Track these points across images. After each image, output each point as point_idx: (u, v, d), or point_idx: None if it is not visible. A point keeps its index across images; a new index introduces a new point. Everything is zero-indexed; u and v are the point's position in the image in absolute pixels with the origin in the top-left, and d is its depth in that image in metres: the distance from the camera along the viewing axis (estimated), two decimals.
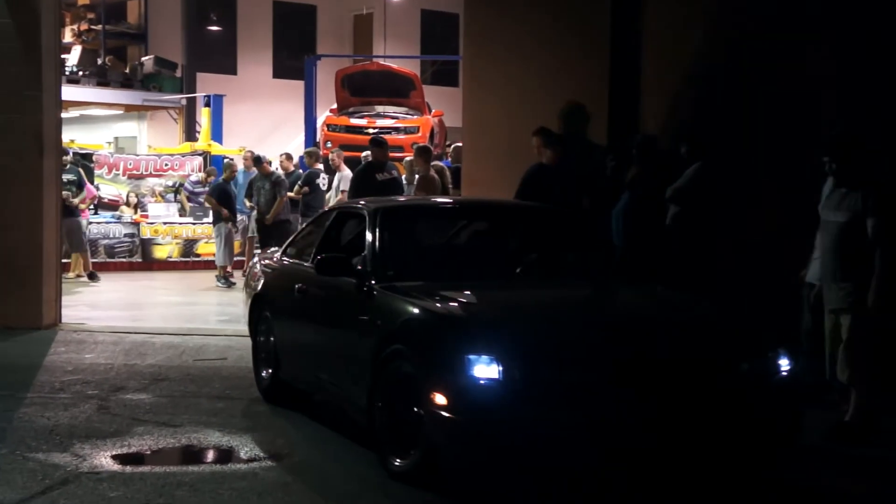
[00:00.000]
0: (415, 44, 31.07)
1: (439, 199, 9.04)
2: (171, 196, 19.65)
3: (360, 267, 6.24)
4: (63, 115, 11.61)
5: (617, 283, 6.64)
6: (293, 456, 6.06)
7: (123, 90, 25.75)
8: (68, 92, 17.18)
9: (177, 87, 26.61)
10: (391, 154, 13.39)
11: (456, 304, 5.62)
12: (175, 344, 9.93)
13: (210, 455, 6.20)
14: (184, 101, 26.52)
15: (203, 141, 21.58)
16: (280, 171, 15.62)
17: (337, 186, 15.20)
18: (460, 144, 14.35)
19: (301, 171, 16.46)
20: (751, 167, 8.64)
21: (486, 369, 4.99)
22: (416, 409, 5.31)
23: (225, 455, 6.15)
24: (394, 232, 6.49)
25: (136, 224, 17.98)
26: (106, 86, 25.43)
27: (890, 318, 6.41)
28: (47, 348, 9.58)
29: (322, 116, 22.32)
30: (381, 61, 24.51)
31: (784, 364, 5.42)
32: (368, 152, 15.25)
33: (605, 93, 9.57)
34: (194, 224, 18.50)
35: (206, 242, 18.04)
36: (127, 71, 26.50)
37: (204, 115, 22.50)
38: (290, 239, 8.01)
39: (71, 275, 15.86)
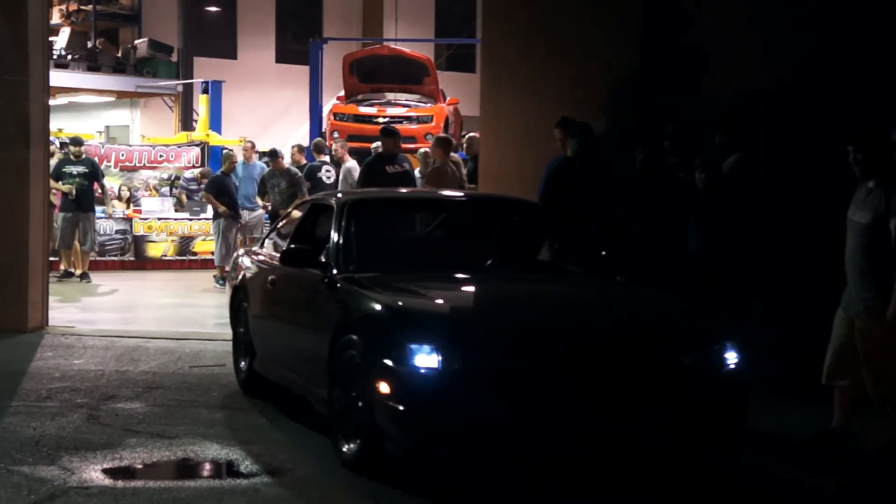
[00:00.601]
0: (429, 26, 31.11)
1: (410, 193, 9.61)
2: (165, 190, 19.70)
3: (323, 259, 6.77)
4: (50, 102, 11.63)
5: (578, 275, 7.11)
6: (296, 471, 6.06)
7: (115, 76, 25.83)
8: (56, 77, 17.19)
9: (172, 72, 26.67)
10: (402, 145, 13.40)
11: (404, 296, 6.06)
12: (170, 349, 9.95)
13: (207, 469, 6.20)
14: (180, 88, 26.58)
15: (200, 130, 21.62)
16: (294, 167, 15.68)
17: (343, 179, 15.23)
18: (475, 135, 14.34)
19: (310, 163, 16.51)
20: (792, 160, 8.62)
21: (426, 358, 5.45)
22: (363, 397, 5.79)
23: (223, 469, 6.15)
24: (360, 224, 6.98)
25: (128, 220, 18.02)
26: (96, 71, 25.51)
27: None
28: (33, 353, 9.61)
29: (328, 104, 22.34)
30: (393, 45, 24.55)
31: (731, 358, 5.81)
32: (379, 143, 15.34)
33: (634, 79, 9.55)
34: (191, 220, 18.54)
35: (204, 240, 18.09)
36: (119, 55, 26.59)
37: (201, 103, 22.53)
38: (268, 231, 8.56)
39: (71, 271, 15.96)
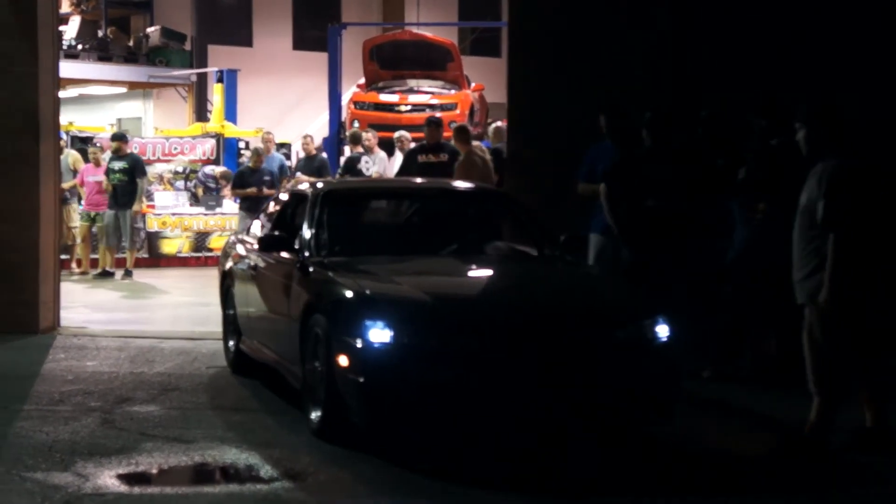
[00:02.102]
0: (452, 9, 31.05)
1: (382, 182, 10.94)
2: (180, 184, 19.76)
3: (298, 245, 7.67)
4: (60, 94, 11.68)
5: (530, 258, 7.95)
6: (318, 475, 6.08)
7: (127, 65, 25.89)
8: (66, 68, 17.24)
9: (186, 61, 26.72)
10: (419, 135, 13.50)
11: (363, 277, 6.92)
12: (186, 349, 9.99)
13: (226, 474, 6.22)
14: (194, 77, 26.63)
15: (215, 121, 21.66)
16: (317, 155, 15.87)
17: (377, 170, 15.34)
18: (500, 124, 14.32)
19: (325, 154, 16.52)
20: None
21: (379, 333, 6.25)
22: (327, 370, 6.59)
23: (243, 474, 6.18)
24: (332, 213, 7.87)
25: (141, 215, 18.09)
26: (107, 61, 25.57)
27: (848, 315, 6.37)
28: (45, 355, 9.67)
29: (348, 93, 22.35)
30: (415, 29, 24.51)
31: (662, 331, 6.52)
32: (401, 132, 15.42)
33: (670, 60, 9.55)
34: (206, 215, 18.59)
35: (220, 235, 18.13)
36: (131, 44, 26.65)
37: (216, 93, 22.58)
38: (254, 217, 9.43)
39: (109, 270, 16.31)
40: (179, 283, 16.07)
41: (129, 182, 16.23)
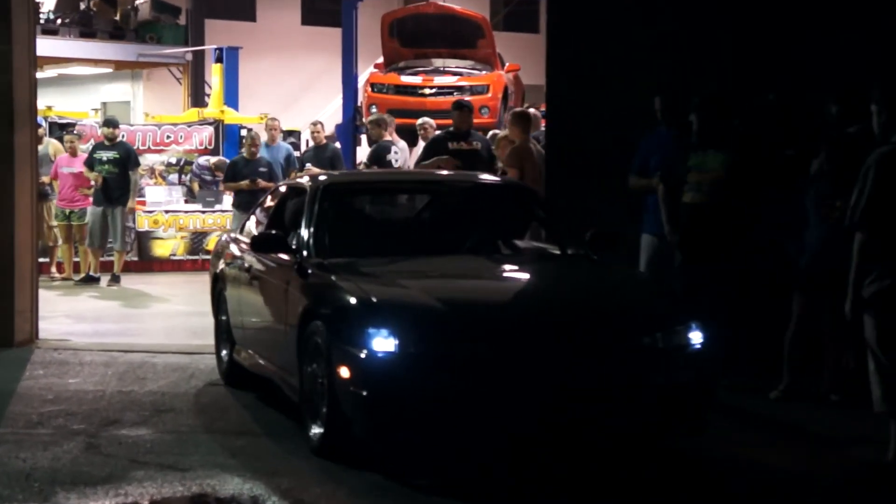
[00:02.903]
0: None
1: (387, 174, 11.13)
2: (173, 177, 19.84)
3: (295, 245, 7.86)
4: (38, 74, 11.73)
5: (552, 257, 8.20)
6: None
7: (113, 43, 25.99)
8: (44, 45, 17.36)
9: (180, 38, 26.82)
10: (445, 122, 13.49)
11: (366, 281, 7.09)
12: (182, 365, 10.04)
13: None
14: (189, 57, 26.75)
15: (214, 106, 21.73)
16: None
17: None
18: (533, 110, 14.29)
19: (339, 144, 16.55)
20: None
21: (383, 342, 6.43)
22: (327, 383, 6.78)
23: None
24: (333, 209, 8.10)
25: (129, 213, 18.16)
26: (91, 37, 25.68)
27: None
28: (21, 371, 9.72)
29: (365, 74, 22.36)
30: (441, 2, 24.50)
31: (695, 338, 6.73)
32: (425, 119, 15.40)
33: (728, 37, 9.53)
34: (204, 213, 18.66)
35: (219, 236, 18.19)
36: (117, 18, 26.75)
37: (215, 74, 22.65)
38: (248, 215, 9.71)
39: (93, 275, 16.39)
40: (173, 289, 16.14)
41: (120, 175, 16.32)
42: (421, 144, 15.69)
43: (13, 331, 10.82)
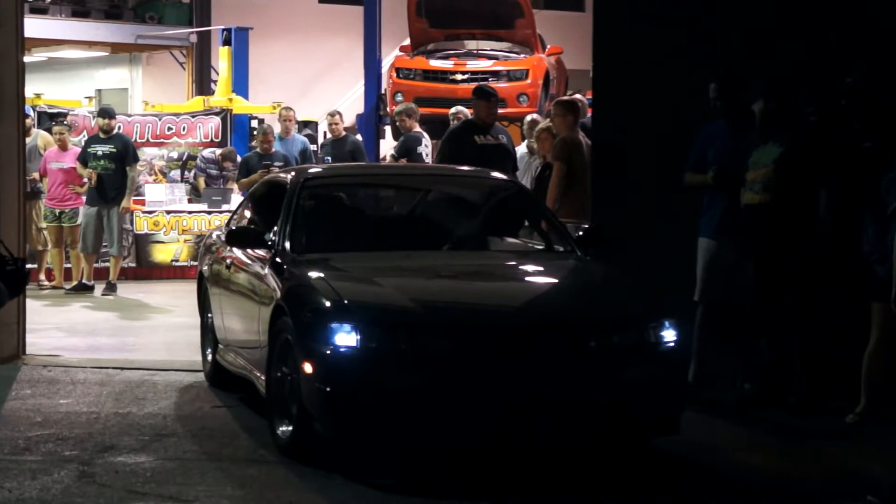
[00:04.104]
0: None
1: (370, 168, 12.50)
2: (175, 173, 19.87)
3: (271, 240, 8.53)
4: (26, 58, 11.77)
5: (534, 254, 8.88)
6: None
7: (108, 23, 26.08)
8: (32, 26, 17.41)
9: (184, 17, 26.91)
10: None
11: (337, 276, 7.78)
12: (185, 384, 10.05)
13: None
14: (193, 39, 26.82)
15: (221, 94, 21.78)
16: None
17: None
18: (579, 96, 14.24)
19: (360, 136, 16.58)
20: None
21: (346, 337, 7.06)
22: (294, 379, 7.44)
23: None
24: (310, 204, 8.86)
25: (126, 213, 18.17)
26: (84, 17, 25.77)
27: None
28: (6, 391, 9.74)
29: (390, 58, 22.38)
30: None
31: (668, 336, 7.36)
32: (458, 108, 15.33)
33: (799, 15, 9.48)
34: (210, 213, 18.67)
35: None
36: None
37: (222, 58, 22.69)
38: (234, 210, 10.65)
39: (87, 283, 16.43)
40: (176, 299, 16.14)
41: (116, 171, 16.35)
42: None
43: None
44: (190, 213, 18.63)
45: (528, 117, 15.15)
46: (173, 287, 17.49)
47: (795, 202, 8.79)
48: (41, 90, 21.26)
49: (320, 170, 10.89)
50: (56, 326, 13.37)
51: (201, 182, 19.21)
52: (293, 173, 9.51)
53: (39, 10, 24.28)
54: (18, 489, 6.97)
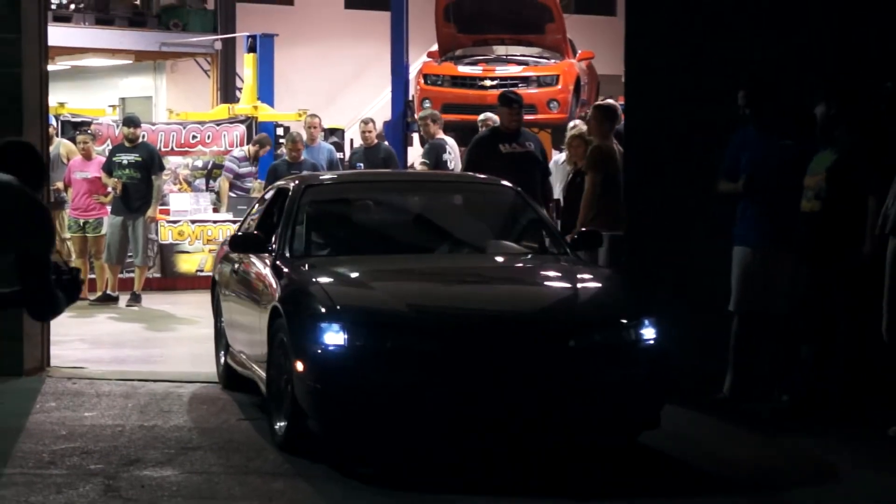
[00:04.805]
0: None
1: (368, 175, 13.20)
2: (200, 183, 19.90)
3: (274, 245, 9.09)
4: (49, 67, 11.80)
5: (523, 255, 9.40)
6: None
7: (133, 30, 26.17)
8: (56, 34, 17.49)
9: (208, 25, 26.98)
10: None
11: (329, 278, 8.32)
12: (211, 396, 10.07)
13: None
14: (218, 46, 26.89)
15: (246, 102, 21.84)
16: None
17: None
18: (611, 101, 14.21)
19: (387, 143, 16.57)
20: None
21: (334, 336, 7.57)
22: (288, 377, 7.93)
23: None
24: (311, 210, 9.35)
25: (151, 223, 18.20)
26: (108, 25, 25.87)
27: None
28: (31, 404, 9.75)
29: (417, 63, 22.39)
30: None
31: (648, 334, 7.81)
32: (487, 114, 15.31)
33: (833, 16, 9.44)
34: (235, 223, 18.67)
35: None
36: (137, 2, 26.94)
37: (247, 65, 22.76)
38: (244, 217, 11.35)
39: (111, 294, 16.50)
40: (201, 310, 16.08)
41: (142, 180, 16.40)
42: None
43: (22, 358, 10.85)
44: (215, 222, 18.66)
45: (571, 124, 15.13)
46: (198, 298, 17.44)
47: (846, 210, 8.74)
48: (65, 99, 21.35)
49: (322, 176, 11.42)
50: (80, 338, 13.41)
51: (225, 186, 19.02)
52: (297, 180, 10.06)
53: (63, 18, 24.37)
54: (44, 503, 6.98)
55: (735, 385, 9.45)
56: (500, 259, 9.41)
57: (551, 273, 9.05)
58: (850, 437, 8.51)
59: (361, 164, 16.49)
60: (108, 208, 16.69)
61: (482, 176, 10.77)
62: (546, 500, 7.33)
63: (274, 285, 8.59)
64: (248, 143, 19.41)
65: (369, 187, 10.75)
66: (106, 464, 7.89)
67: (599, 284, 8.75)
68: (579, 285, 8.57)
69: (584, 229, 9.77)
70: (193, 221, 18.58)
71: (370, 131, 16.98)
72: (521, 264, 9.35)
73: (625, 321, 7.89)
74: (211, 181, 19.83)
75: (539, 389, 7.59)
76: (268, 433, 8.74)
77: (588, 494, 7.37)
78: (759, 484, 7.69)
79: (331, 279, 8.33)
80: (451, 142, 15.95)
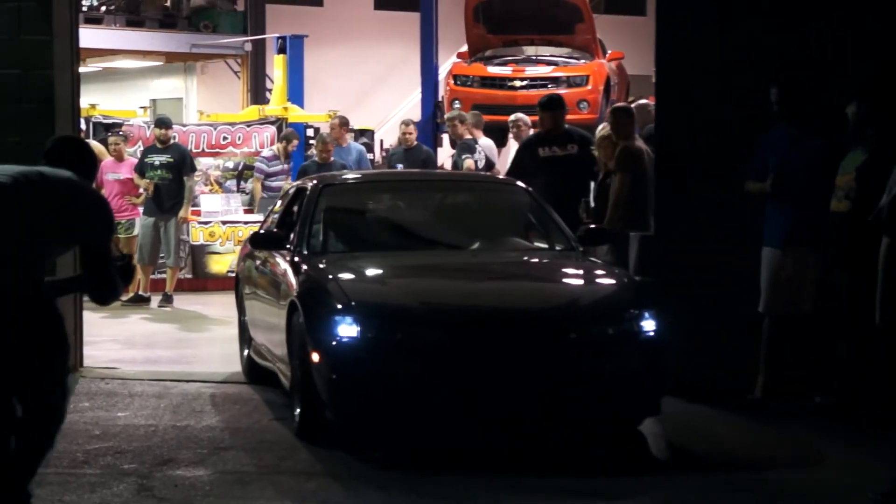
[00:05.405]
0: None
1: (388, 174, 13.85)
2: (231, 184, 19.95)
3: (295, 242, 9.47)
4: (80, 69, 11.85)
5: (534, 252, 9.88)
6: None
7: (163, 32, 26.23)
8: (88, 36, 17.58)
9: (238, 26, 27.02)
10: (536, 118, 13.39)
11: (342, 273, 8.70)
12: (244, 397, 10.12)
13: None
14: (248, 47, 26.94)
15: (276, 103, 21.87)
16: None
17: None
18: (646, 101, 14.20)
19: (422, 144, 16.59)
20: None
21: (347, 328, 7.95)
22: (305, 368, 8.28)
23: None
24: (331, 207, 9.81)
25: (183, 224, 18.26)
26: (139, 26, 25.94)
27: None
28: None
29: (447, 64, 22.40)
30: None
31: (648, 326, 8.17)
32: (518, 115, 15.32)
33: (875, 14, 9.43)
34: None
35: None
36: (168, 4, 27.02)
37: (277, 66, 22.80)
38: (266, 215, 11.82)
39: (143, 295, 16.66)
40: (231, 311, 16.03)
41: (174, 181, 16.50)
42: (512, 143, 15.71)
43: None
44: (246, 223, 18.66)
45: (601, 125, 15.13)
46: (229, 299, 17.32)
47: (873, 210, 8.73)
48: (96, 101, 21.43)
49: (334, 178, 11.56)
50: (113, 339, 13.46)
51: (257, 187, 19.06)
52: (315, 180, 10.55)
53: (94, 20, 24.46)
54: (77, 502, 7.05)
55: (767, 387, 9.44)
56: (508, 255, 9.86)
57: (557, 269, 9.45)
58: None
59: (401, 165, 16.48)
60: (140, 209, 16.77)
61: (496, 176, 11.66)
62: (553, 479, 7.73)
63: (292, 281, 8.97)
64: (276, 143, 19.44)
65: (384, 187, 11.21)
66: (139, 463, 7.95)
67: (602, 279, 9.10)
68: (583, 280, 9.08)
69: (591, 226, 10.25)
70: (224, 222, 18.62)
71: (411, 133, 16.95)
72: (528, 260, 9.81)
73: (626, 314, 8.25)
74: (242, 182, 19.87)
75: (543, 380, 7.96)
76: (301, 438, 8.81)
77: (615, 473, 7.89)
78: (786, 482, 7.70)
79: (346, 275, 8.69)
80: (486, 143, 15.93)
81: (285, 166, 18.79)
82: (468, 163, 15.16)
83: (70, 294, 6.25)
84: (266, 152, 19.32)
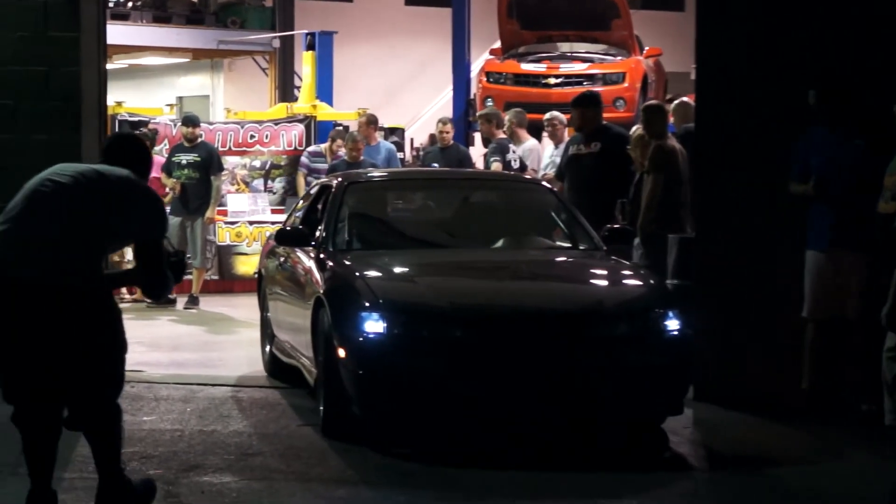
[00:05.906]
0: None
1: (411, 172, 14.57)
2: (258, 183, 19.94)
3: (320, 238, 9.75)
4: (107, 66, 11.87)
5: (559, 252, 10.17)
6: None
7: (190, 28, 26.32)
8: (114, 32, 17.56)
9: (266, 22, 27.08)
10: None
11: (368, 269, 8.98)
12: (271, 401, 10.11)
13: None
14: (276, 43, 26.98)
15: (305, 101, 21.86)
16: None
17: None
18: (686, 99, 14.14)
19: (457, 143, 16.55)
20: None
21: (374, 325, 8.23)
22: (331, 364, 8.49)
23: None
24: (352, 206, 10.09)
25: (209, 224, 18.25)
26: (165, 23, 26.04)
27: None
28: None
29: (479, 61, 22.38)
30: None
31: (672, 325, 8.42)
32: (553, 113, 15.27)
33: None
34: None
35: None
36: (195, 0, 27.08)
37: (306, 63, 22.80)
38: (290, 212, 12.21)
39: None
40: (258, 313, 16.20)
41: (201, 180, 16.50)
42: (547, 142, 15.66)
43: None
44: (273, 223, 18.59)
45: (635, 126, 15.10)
46: (256, 301, 17.48)
47: None
48: (122, 98, 21.47)
49: (359, 176, 11.97)
50: (138, 341, 13.39)
51: (301, 181, 18.82)
52: (340, 177, 10.89)
53: (121, 17, 24.54)
54: None
55: (812, 394, 9.37)
56: (532, 254, 10.14)
57: (581, 268, 9.75)
58: None
59: (436, 164, 16.43)
60: (167, 209, 16.74)
61: (520, 175, 12.26)
62: (575, 474, 8.05)
63: (318, 277, 9.23)
64: (307, 142, 19.42)
65: (409, 185, 11.63)
66: (165, 469, 7.95)
67: (627, 278, 9.40)
68: (607, 280, 9.38)
69: (615, 226, 10.41)
70: (251, 223, 18.60)
71: (447, 132, 16.85)
72: (552, 259, 10.10)
73: (649, 313, 8.52)
74: (269, 181, 19.85)
75: (567, 378, 8.21)
76: (329, 439, 8.79)
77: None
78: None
79: (371, 272, 8.98)
80: (531, 144, 15.83)
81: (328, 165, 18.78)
82: (495, 166, 15.11)
83: (124, 287, 6.70)
84: (312, 147, 19.25)
